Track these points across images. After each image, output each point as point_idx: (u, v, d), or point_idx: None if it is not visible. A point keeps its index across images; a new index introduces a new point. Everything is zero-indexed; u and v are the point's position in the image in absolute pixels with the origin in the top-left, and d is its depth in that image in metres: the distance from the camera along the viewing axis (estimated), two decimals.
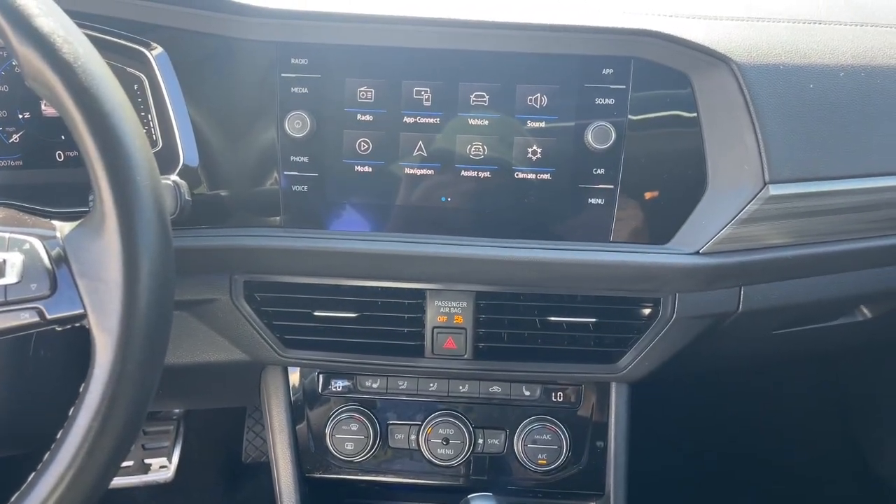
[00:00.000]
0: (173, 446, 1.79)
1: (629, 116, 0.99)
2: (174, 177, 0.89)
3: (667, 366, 1.17)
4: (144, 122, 1.07)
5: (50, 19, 0.64)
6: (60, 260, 0.70)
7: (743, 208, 1.01)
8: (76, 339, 0.74)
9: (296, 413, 1.19)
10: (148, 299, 0.64)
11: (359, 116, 1.02)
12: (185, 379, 1.27)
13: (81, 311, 0.69)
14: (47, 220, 0.75)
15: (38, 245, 0.67)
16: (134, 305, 0.67)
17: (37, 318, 0.66)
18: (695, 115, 0.99)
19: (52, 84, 0.64)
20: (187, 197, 0.91)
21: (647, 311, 1.09)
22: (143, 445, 1.80)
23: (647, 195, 1.02)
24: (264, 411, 1.25)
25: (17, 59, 0.68)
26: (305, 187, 1.03)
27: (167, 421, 1.83)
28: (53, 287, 0.66)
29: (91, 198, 0.74)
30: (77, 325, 0.71)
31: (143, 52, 1.05)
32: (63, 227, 0.70)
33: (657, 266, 1.00)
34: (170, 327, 0.74)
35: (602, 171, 1.01)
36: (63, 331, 0.72)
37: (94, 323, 0.68)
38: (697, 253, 0.99)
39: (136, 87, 1.07)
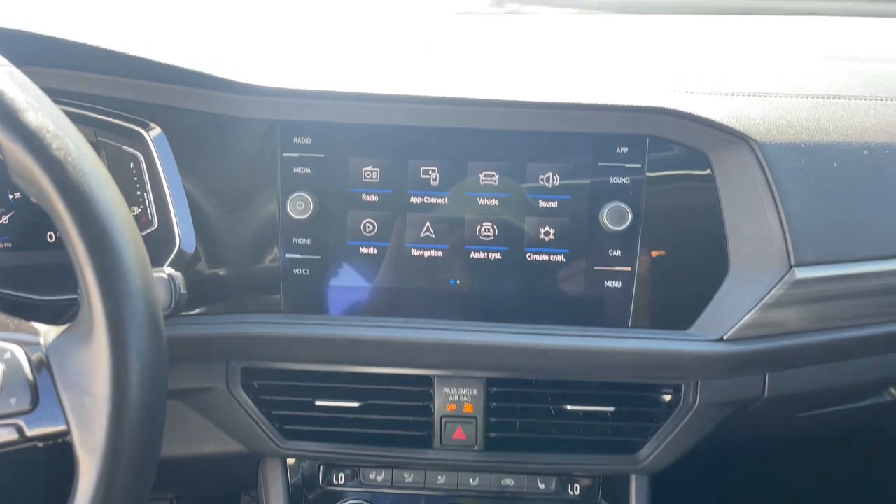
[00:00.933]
0: None
1: (646, 196, 0.96)
2: (168, 269, 0.84)
3: (689, 454, 1.10)
4: (140, 202, 1.03)
5: (39, 114, 0.59)
6: (43, 368, 0.65)
7: (768, 293, 0.96)
8: (59, 457, 0.68)
9: None
10: (137, 416, 0.58)
11: (363, 196, 0.98)
12: (177, 471, 1.20)
13: (64, 427, 0.63)
14: (31, 323, 0.69)
15: (20, 354, 0.61)
16: (122, 423, 0.61)
17: (16, 436, 0.61)
18: (714, 194, 0.96)
19: (40, 182, 0.59)
20: (182, 290, 0.86)
21: (667, 398, 1.04)
22: None
23: (667, 278, 0.97)
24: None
25: (3, 156, 0.63)
26: (307, 270, 1.00)
27: (159, 501, 1.74)
28: (35, 401, 0.60)
29: (77, 296, 0.69)
30: (60, 441, 0.65)
31: (139, 132, 1.01)
32: (48, 333, 0.65)
33: (679, 354, 0.95)
34: (160, 445, 0.68)
35: (618, 252, 0.97)
36: (45, 447, 0.66)
37: (77, 441, 0.62)
38: (721, 340, 0.95)
39: (132, 165, 1.04)
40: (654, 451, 1.04)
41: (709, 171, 0.96)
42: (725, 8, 1.48)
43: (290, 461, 1.12)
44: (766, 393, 1.03)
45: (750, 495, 1.73)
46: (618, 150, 0.97)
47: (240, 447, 1.08)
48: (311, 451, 1.07)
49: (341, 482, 1.16)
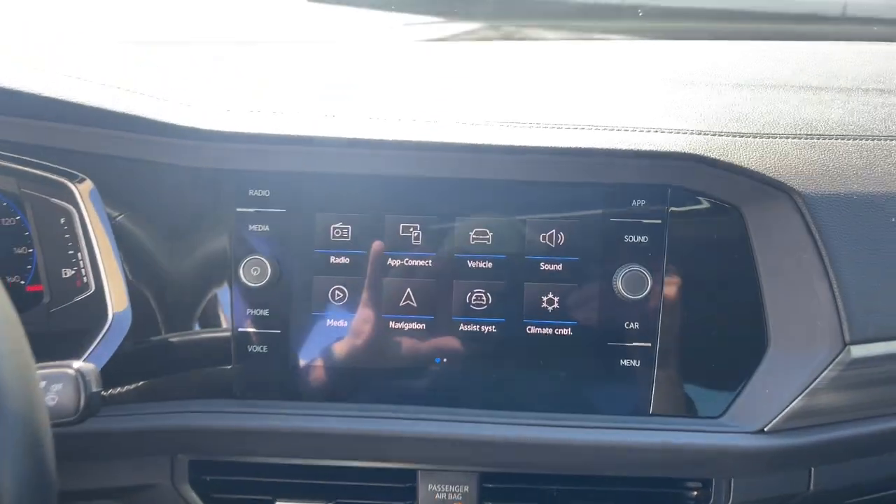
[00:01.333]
0: None
1: (667, 259, 0.84)
2: (79, 364, 0.67)
3: None
4: (73, 262, 0.88)
5: None
6: None
7: (818, 375, 0.80)
8: None
9: None
10: None
11: (332, 259, 0.87)
12: None
13: None
14: None
15: None
16: None
17: None
18: (749, 257, 0.84)
19: None
20: (95, 388, 0.70)
21: (694, 495, 0.92)
22: None
23: (694, 356, 0.86)
24: None
25: None
26: (265, 348, 0.87)
27: None
28: None
29: None
30: None
31: (67, 185, 0.86)
32: None
33: (711, 449, 0.83)
34: None
35: (636, 325, 0.85)
36: None
37: None
38: (761, 431, 0.83)
39: (62, 221, 0.89)
40: None
41: (742, 228, 0.84)
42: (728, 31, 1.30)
43: None
44: (811, 488, 0.90)
45: None
46: (634, 203, 0.85)
47: None
48: None
49: None
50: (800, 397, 0.81)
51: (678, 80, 0.96)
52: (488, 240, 0.86)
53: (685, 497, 0.92)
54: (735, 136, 0.84)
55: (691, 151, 0.81)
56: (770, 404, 0.82)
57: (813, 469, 0.90)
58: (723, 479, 0.89)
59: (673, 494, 0.92)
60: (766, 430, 0.82)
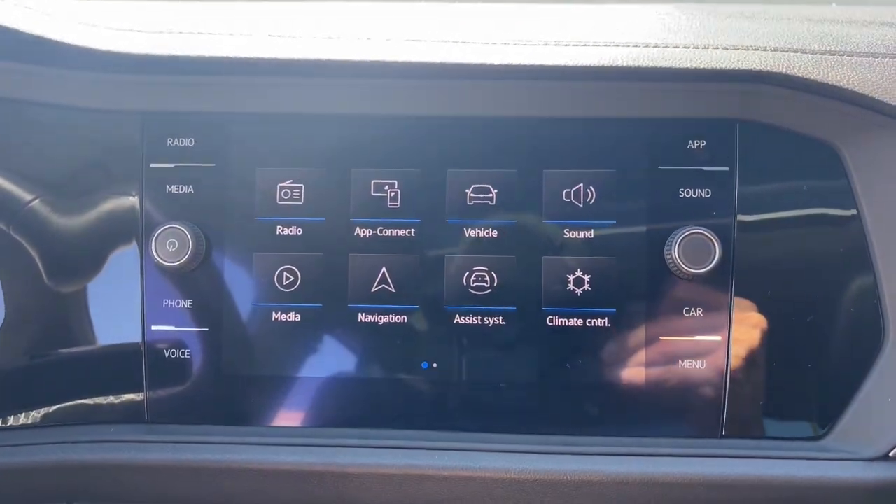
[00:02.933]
0: None
1: (738, 219, 0.66)
2: None
3: None
4: None
5: None
6: None
7: None
8: None
9: None
10: None
11: (279, 230, 0.68)
12: None
13: None
14: None
15: None
16: None
17: None
18: (853, 215, 0.66)
19: None
20: None
21: None
22: None
23: (781, 355, 0.66)
24: None
25: None
26: (187, 352, 0.68)
27: None
28: None
29: None
30: None
31: None
32: None
33: (812, 483, 0.63)
34: None
35: (699, 311, 0.65)
36: None
37: None
38: (884, 457, 0.63)
39: None
40: None
41: (841, 174, 0.66)
42: None
43: None
44: None
45: None
46: (690, 144, 0.67)
47: None
48: None
49: None
50: None
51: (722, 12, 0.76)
52: (491, 199, 0.67)
53: None
54: (824, 55, 0.64)
55: (770, 69, 0.60)
56: (891, 420, 0.62)
57: None
58: None
59: None
60: (890, 454, 0.62)
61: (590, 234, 0.66)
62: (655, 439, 0.65)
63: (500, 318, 0.66)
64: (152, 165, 0.68)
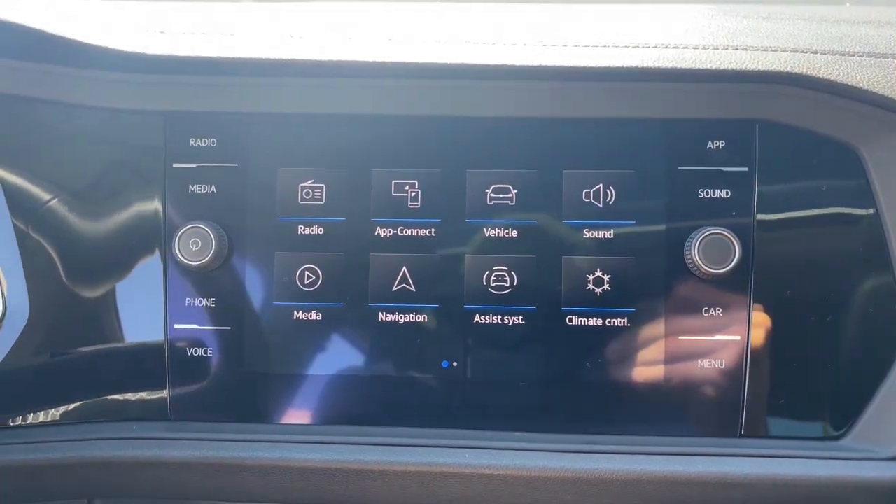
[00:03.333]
0: None
1: (758, 219, 0.66)
2: None
3: None
4: None
5: None
6: None
7: None
8: None
9: None
10: None
11: (300, 229, 0.68)
12: None
13: None
14: None
15: None
16: None
17: None
18: (873, 214, 0.65)
19: None
20: None
21: None
22: None
23: (800, 354, 0.65)
24: None
25: None
26: (209, 350, 0.67)
27: None
28: None
29: None
30: None
31: None
32: None
33: (831, 482, 0.62)
34: None
35: (719, 311, 0.65)
36: None
37: None
38: None
39: None
40: None
41: (862, 175, 0.65)
42: None
43: None
44: None
45: None
46: (710, 145, 0.66)
47: None
48: None
49: None
50: None
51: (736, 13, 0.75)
52: (511, 199, 0.67)
53: None
54: (845, 56, 0.63)
55: (790, 70, 0.59)
56: None
57: None
58: None
59: None
60: None
61: (609, 234, 0.65)
62: (675, 438, 0.64)
63: (520, 317, 0.66)
64: (175, 165, 0.68)
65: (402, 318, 0.66)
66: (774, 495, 0.62)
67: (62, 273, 0.68)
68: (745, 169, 0.65)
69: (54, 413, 0.68)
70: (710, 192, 0.65)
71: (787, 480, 0.61)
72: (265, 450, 0.65)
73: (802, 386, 0.64)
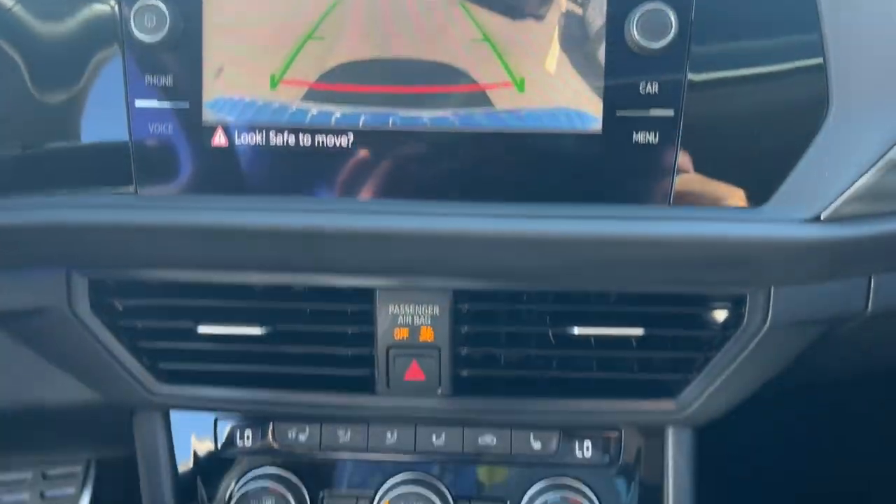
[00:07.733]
0: (80, 495, 1.39)
1: None
2: None
3: (750, 401, 0.78)
4: None
5: None
6: None
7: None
8: None
9: (183, 482, 0.84)
10: None
11: None
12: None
13: None
14: None
15: None
16: None
17: None
18: None
19: None
20: None
21: (722, 316, 0.76)
22: (41, 494, 1.39)
23: (729, 126, 0.68)
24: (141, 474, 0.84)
25: None
26: (170, 126, 0.69)
27: (72, 462, 1.42)
28: None
29: None
30: None
31: None
32: None
33: (749, 242, 0.67)
34: None
35: (654, 87, 0.66)
36: None
37: None
38: (816, 219, 0.67)
39: None
40: (702, 393, 0.77)
41: None
42: None
43: (176, 415, 0.79)
44: (869, 307, 0.74)
45: (835, 459, 1.32)
46: None
47: (94, 395, 0.78)
48: (201, 399, 0.80)
49: (247, 444, 0.82)
50: (869, 173, 0.66)
51: None
52: None
53: (710, 320, 0.75)
54: None
55: None
56: (829, 186, 0.67)
57: (873, 278, 0.72)
58: (759, 292, 0.72)
59: (695, 315, 0.75)
60: (822, 217, 0.66)
61: (548, 8, 0.66)
62: (608, 205, 0.67)
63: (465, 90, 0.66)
64: None
65: (362, 89, 0.66)
66: (691, 256, 0.67)
67: (23, 52, 0.69)
68: None
69: (32, 183, 0.70)
70: None
71: (705, 239, 0.66)
72: (223, 214, 0.68)
73: (729, 157, 0.67)
